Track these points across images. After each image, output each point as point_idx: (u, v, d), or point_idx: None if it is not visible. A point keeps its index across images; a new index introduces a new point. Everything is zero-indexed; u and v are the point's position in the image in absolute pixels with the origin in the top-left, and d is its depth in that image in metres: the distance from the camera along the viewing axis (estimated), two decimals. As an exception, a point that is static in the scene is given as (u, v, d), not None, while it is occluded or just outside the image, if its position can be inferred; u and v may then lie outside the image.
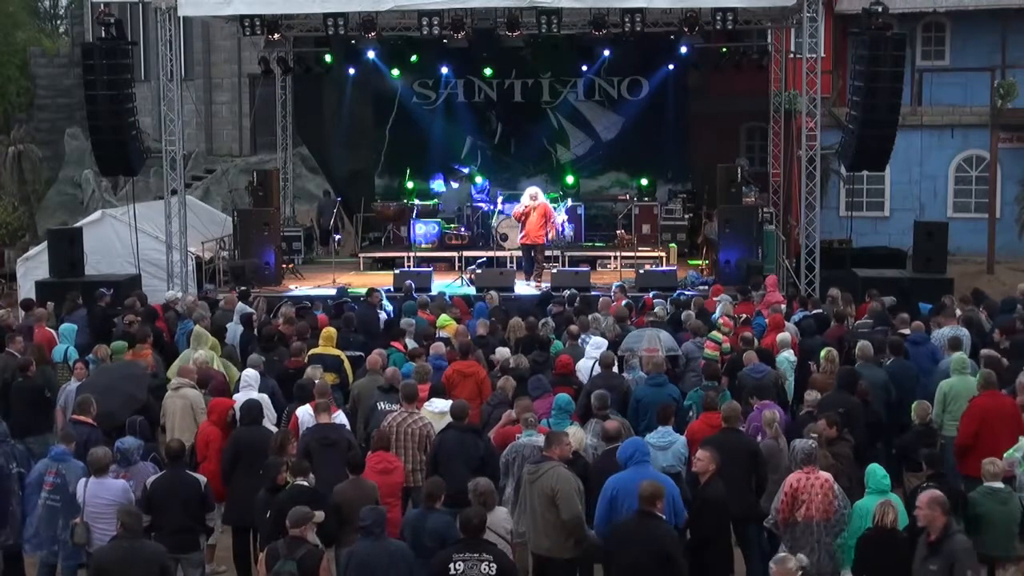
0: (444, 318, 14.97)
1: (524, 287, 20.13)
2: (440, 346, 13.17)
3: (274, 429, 10.85)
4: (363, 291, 17.57)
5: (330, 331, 13.70)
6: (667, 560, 8.07)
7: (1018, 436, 10.28)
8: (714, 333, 13.90)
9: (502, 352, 12.89)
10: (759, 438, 10.28)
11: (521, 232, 20.89)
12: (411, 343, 13.85)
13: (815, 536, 8.96)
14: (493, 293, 17.01)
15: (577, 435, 9.70)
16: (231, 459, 10.23)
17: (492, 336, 14.42)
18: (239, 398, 11.31)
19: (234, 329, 15.38)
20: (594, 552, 9.31)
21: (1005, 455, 9.89)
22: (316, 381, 11.64)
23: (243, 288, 18.60)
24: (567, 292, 17.39)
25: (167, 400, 11.59)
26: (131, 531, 8.18)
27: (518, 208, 20.94)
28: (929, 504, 7.87)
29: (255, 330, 15.16)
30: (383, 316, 16.39)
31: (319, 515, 8.26)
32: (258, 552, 9.69)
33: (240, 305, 16.34)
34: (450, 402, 10.76)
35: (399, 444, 10.34)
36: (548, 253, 21.62)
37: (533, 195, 20.63)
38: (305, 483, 9.07)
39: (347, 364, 13.22)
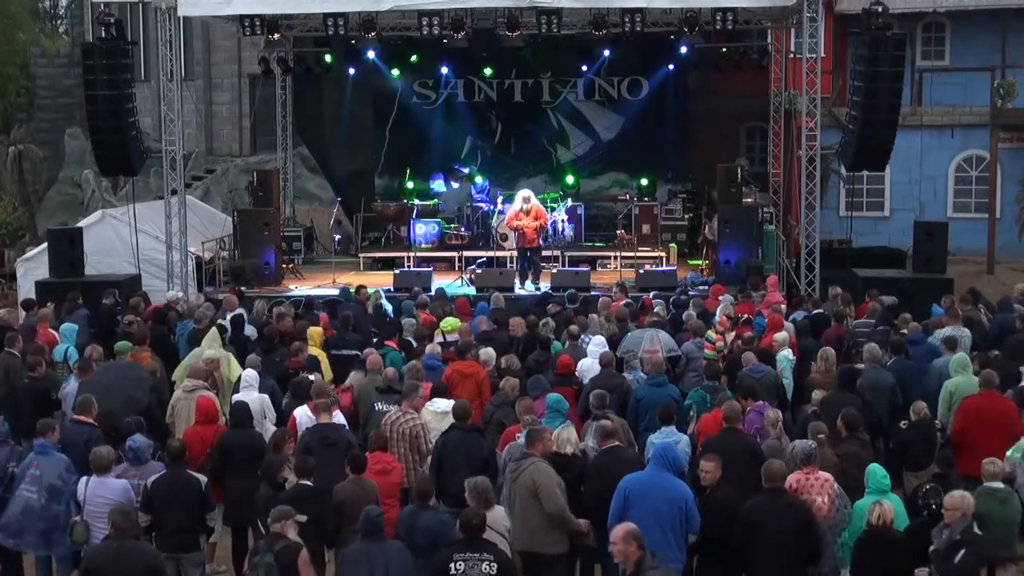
0: (451, 320, 14.90)
1: (521, 289, 20.07)
2: (435, 345, 13.18)
3: (273, 429, 10.89)
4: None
5: (314, 331, 13.70)
6: (807, 526, 8.45)
7: (1013, 438, 10.29)
8: (708, 333, 13.91)
9: (487, 353, 12.86)
10: (758, 439, 10.29)
11: (517, 236, 20.62)
12: (414, 342, 13.84)
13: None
14: (499, 294, 16.91)
15: (572, 437, 9.66)
16: (219, 462, 10.27)
17: (497, 334, 14.39)
18: (239, 398, 11.33)
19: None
20: (592, 551, 9.32)
21: (1007, 455, 9.90)
22: (312, 379, 11.69)
23: (240, 288, 18.60)
24: (568, 292, 17.36)
25: (180, 402, 11.52)
26: (122, 531, 8.16)
27: (512, 212, 20.57)
28: (624, 538, 7.35)
29: (251, 331, 15.11)
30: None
31: (301, 517, 8.25)
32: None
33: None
34: (452, 402, 10.77)
35: (392, 444, 10.33)
36: (548, 253, 21.60)
37: (526, 198, 20.46)
38: (308, 483, 9.08)
39: (325, 364, 13.21)
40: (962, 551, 7.89)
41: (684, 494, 8.64)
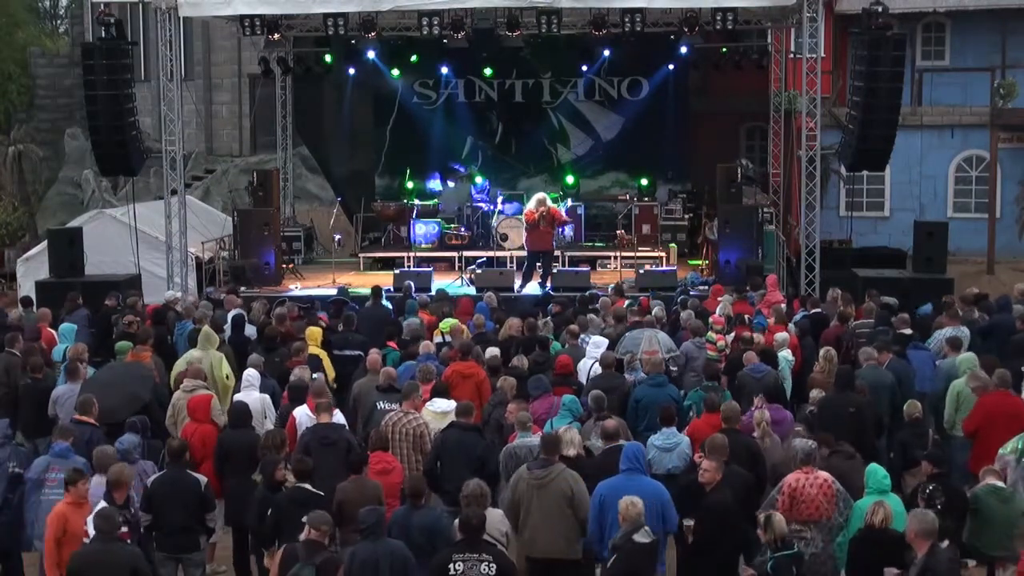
0: (448, 321, 14.87)
1: (529, 287, 20.08)
2: (429, 344, 13.20)
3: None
4: (364, 291, 17.49)
5: (313, 330, 13.72)
6: (754, 458, 9.65)
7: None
8: (708, 333, 13.91)
9: (491, 351, 12.87)
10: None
11: (526, 236, 20.63)
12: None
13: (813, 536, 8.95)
14: (491, 294, 16.95)
15: (575, 438, 9.66)
16: (219, 462, 10.29)
17: (494, 334, 14.39)
18: (239, 398, 11.33)
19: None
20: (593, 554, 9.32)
21: (999, 453, 9.90)
22: (314, 379, 11.67)
23: (239, 288, 18.59)
24: (587, 292, 17.35)
25: (180, 402, 11.47)
26: (105, 534, 8.12)
27: (527, 212, 20.61)
28: None
29: (251, 331, 15.11)
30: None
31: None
32: (256, 551, 9.74)
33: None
34: (452, 402, 10.77)
35: (394, 444, 10.32)
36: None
37: (541, 200, 20.45)
38: (307, 485, 9.04)
39: (327, 363, 13.21)
40: (615, 556, 8.06)
41: (660, 494, 8.70)
